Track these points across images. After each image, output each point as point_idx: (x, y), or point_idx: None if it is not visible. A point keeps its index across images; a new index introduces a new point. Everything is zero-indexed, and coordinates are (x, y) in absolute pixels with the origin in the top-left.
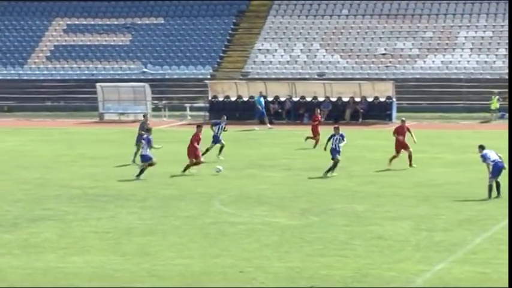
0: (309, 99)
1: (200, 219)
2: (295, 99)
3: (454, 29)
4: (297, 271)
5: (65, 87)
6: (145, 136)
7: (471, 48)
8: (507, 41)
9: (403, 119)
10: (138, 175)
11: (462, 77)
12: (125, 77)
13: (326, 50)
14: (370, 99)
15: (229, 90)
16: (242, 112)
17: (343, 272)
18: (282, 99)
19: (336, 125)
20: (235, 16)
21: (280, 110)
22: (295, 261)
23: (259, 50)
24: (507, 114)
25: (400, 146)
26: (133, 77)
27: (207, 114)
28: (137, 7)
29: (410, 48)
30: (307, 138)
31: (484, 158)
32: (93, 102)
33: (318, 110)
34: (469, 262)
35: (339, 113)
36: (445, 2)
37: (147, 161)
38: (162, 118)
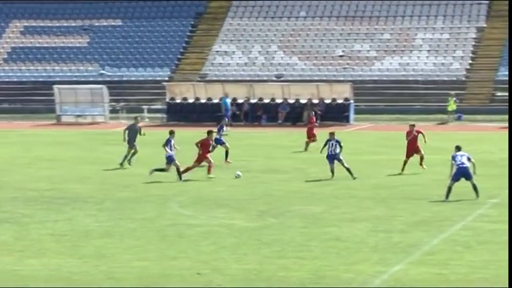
0: (267, 101)
1: (157, 222)
2: (253, 101)
3: (412, 31)
4: (254, 273)
5: (22, 89)
6: (168, 138)
7: (428, 50)
8: (464, 43)
9: (412, 123)
10: (154, 170)
11: (419, 78)
12: (83, 79)
13: (284, 51)
14: (327, 101)
15: (187, 92)
16: (200, 114)
17: (301, 274)
18: (240, 101)
19: (332, 131)
20: (193, 18)
21: (238, 112)
22: (252, 263)
23: (217, 52)
24: (463, 116)
25: (410, 150)
26: (91, 79)
27: (165, 116)
28: (95, 9)
29: (368, 50)
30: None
31: (452, 158)
32: (50, 104)
33: (313, 112)
34: (426, 263)
35: (296, 114)
36: (402, 4)
37: (171, 162)
38: (119, 120)
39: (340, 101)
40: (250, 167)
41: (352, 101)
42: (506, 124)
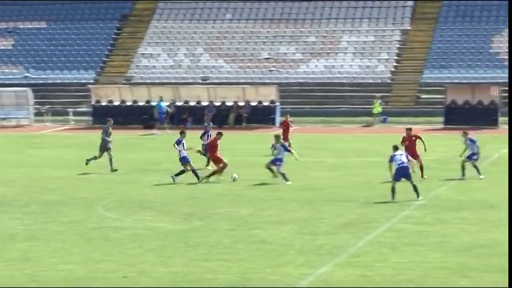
0: (192, 103)
1: (83, 225)
2: (178, 103)
3: (337, 34)
4: (180, 276)
5: None
6: (178, 139)
7: (354, 53)
8: (389, 46)
9: (409, 127)
10: (176, 176)
11: (345, 81)
12: (7, 82)
13: (210, 54)
14: (254, 104)
15: (112, 94)
16: (125, 117)
17: (227, 276)
18: (166, 103)
19: (277, 134)
20: (118, 20)
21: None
22: (178, 266)
23: (143, 54)
24: (389, 118)
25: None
26: (16, 82)
27: (91, 118)
28: (19, 11)
29: (294, 53)
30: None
31: (391, 159)
32: None
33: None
34: (352, 265)
35: (222, 117)
36: (328, 6)
37: (187, 162)
38: (44, 123)
39: (266, 104)
40: (175, 169)
41: (278, 104)
42: (431, 126)
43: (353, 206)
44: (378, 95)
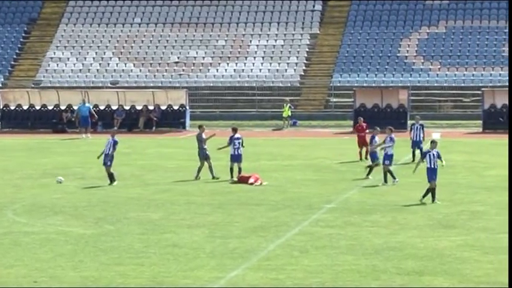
0: (102, 107)
1: None
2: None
3: (246, 38)
4: (92, 280)
5: None
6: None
7: (263, 57)
8: (298, 50)
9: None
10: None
11: (254, 85)
12: None
13: (119, 58)
14: (163, 107)
15: (21, 98)
16: (34, 121)
17: (139, 281)
18: (75, 107)
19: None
20: (26, 24)
21: (73, 119)
22: (90, 270)
23: (51, 58)
24: (298, 122)
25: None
26: None
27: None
28: None
29: (203, 57)
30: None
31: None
32: None
33: (362, 119)
34: (263, 268)
35: (132, 121)
36: (237, 10)
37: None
38: None
39: (176, 107)
40: (86, 173)
41: (187, 108)
42: (341, 130)
43: (264, 209)
44: (287, 98)
